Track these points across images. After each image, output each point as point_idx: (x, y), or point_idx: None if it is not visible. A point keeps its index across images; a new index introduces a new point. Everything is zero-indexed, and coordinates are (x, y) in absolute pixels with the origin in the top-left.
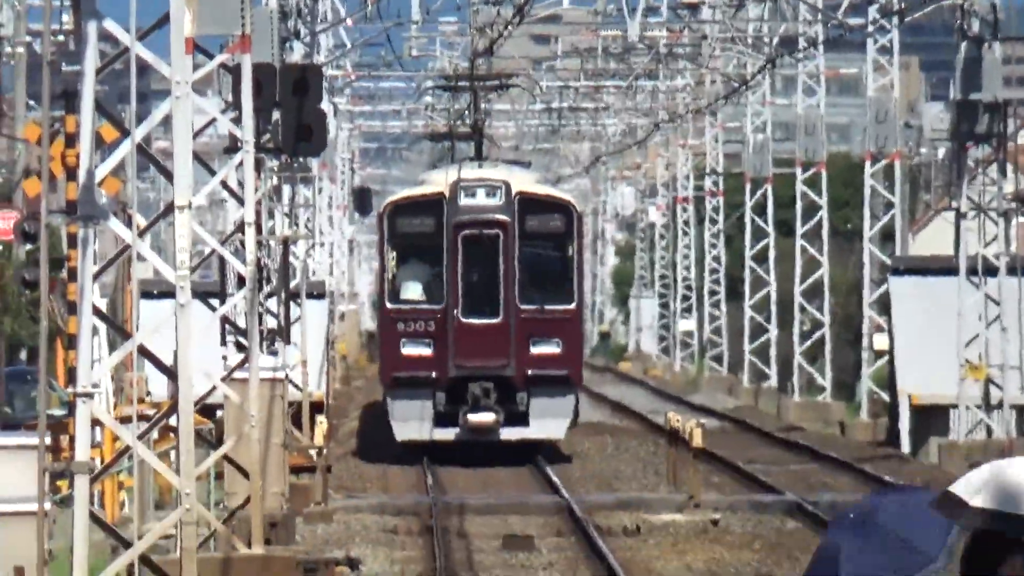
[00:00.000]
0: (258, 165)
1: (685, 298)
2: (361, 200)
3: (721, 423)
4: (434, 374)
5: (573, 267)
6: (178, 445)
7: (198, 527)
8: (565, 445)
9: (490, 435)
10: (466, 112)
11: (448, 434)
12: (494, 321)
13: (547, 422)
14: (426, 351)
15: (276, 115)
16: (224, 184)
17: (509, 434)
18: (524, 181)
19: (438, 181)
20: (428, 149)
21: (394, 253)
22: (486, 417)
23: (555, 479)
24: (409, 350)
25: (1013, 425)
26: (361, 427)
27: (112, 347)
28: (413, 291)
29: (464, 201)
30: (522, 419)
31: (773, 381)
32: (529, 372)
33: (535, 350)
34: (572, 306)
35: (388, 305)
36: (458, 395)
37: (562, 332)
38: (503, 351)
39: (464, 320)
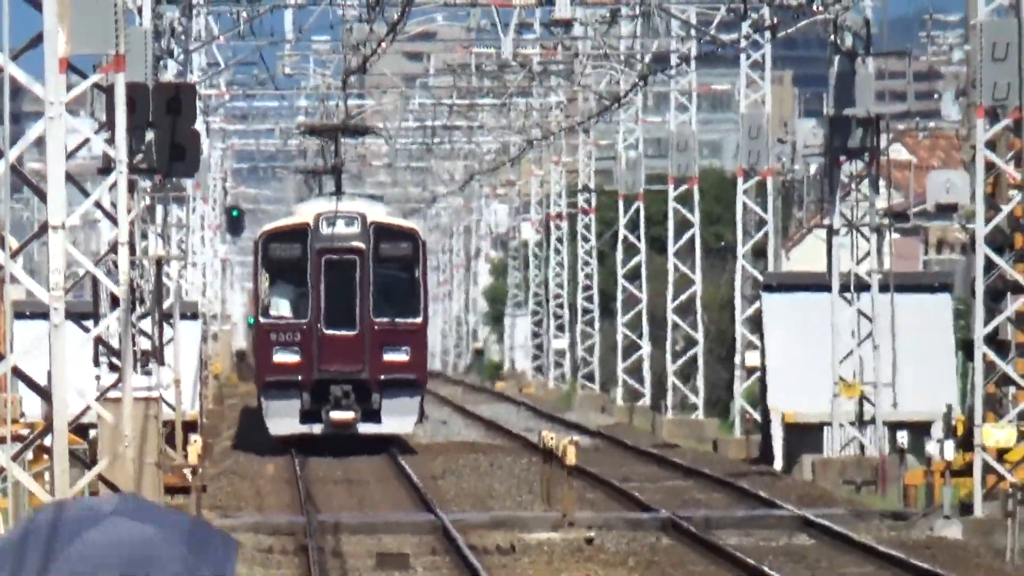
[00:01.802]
0: (131, 185)
1: (558, 316)
2: (234, 220)
3: (595, 441)
4: (301, 378)
5: (419, 286)
6: (52, 465)
7: None
8: (439, 466)
9: (349, 429)
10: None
11: (314, 429)
12: (351, 332)
13: (397, 419)
14: (294, 358)
15: (150, 135)
16: (98, 204)
17: (366, 429)
18: (377, 213)
19: (304, 213)
20: (303, 159)
21: (266, 275)
22: (346, 414)
23: (429, 497)
24: (280, 358)
25: (886, 441)
26: (236, 440)
27: None
28: (283, 307)
29: (326, 230)
30: (376, 416)
31: (647, 399)
32: (382, 376)
33: (387, 357)
34: (419, 319)
35: (261, 320)
36: (322, 395)
37: (410, 342)
38: (359, 358)
39: (326, 332)
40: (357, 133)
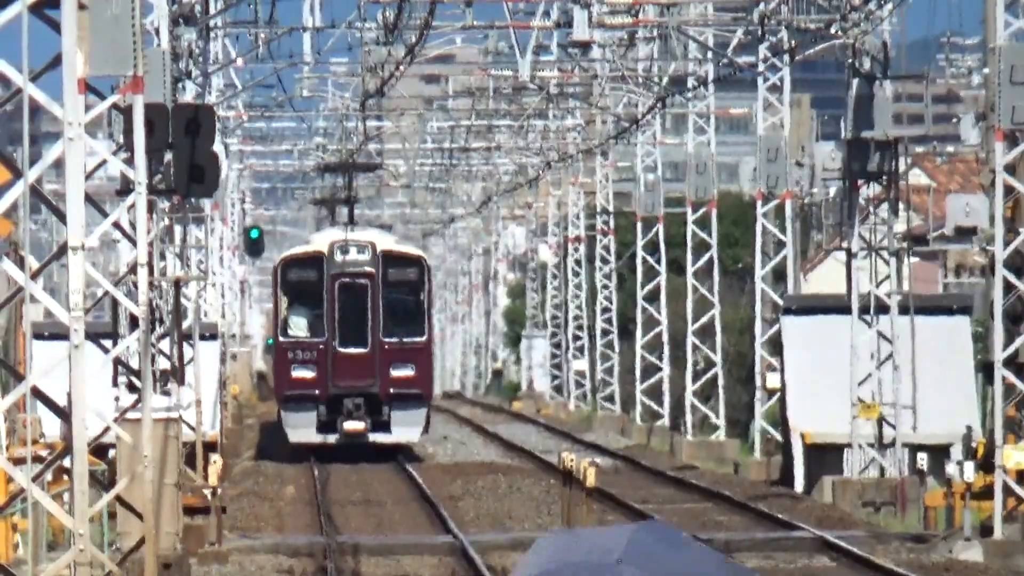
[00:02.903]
0: (150, 206)
1: (577, 337)
2: (253, 242)
3: (614, 462)
4: (317, 392)
5: (425, 308)
6: (72, 486)
7: (92, 568)
8: (458, 487)
9: (361, 439)
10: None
11: (329, 438)
12: (363, 350)
13: (405, 429)
14: (311, 374)
15: (168, 156)
16: (117, 225)
17: (376, 438)
18: (386, 241)
19: (320, 241)
20: (319, 189)
21: (285, 298)
22: (358, 425)
23: (448, 519)
24: (298, 373)
25: (905, 463)
26: (256, 459)
27: (5, 389)
28: (300, 327)
29: (340, 257)
30: (386, 427)
31: (666, 420)
32: (391, 390)
33: (395, 373)
34: (424, 338)
35: (281, 339)
36: (336, 408)
37: (417, 359)
38: (370, 374)
39: (340, 350)
40: (368, 169)
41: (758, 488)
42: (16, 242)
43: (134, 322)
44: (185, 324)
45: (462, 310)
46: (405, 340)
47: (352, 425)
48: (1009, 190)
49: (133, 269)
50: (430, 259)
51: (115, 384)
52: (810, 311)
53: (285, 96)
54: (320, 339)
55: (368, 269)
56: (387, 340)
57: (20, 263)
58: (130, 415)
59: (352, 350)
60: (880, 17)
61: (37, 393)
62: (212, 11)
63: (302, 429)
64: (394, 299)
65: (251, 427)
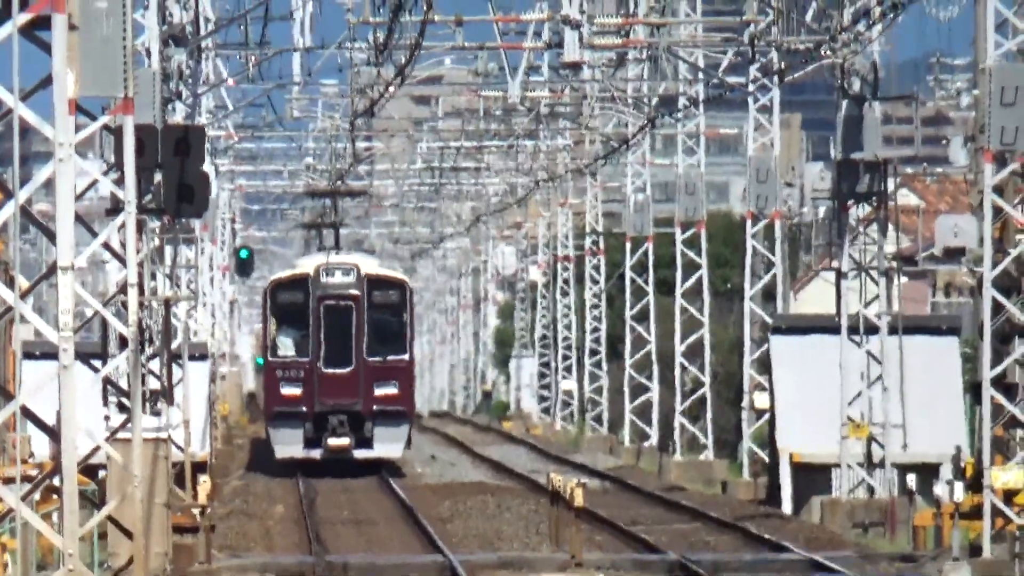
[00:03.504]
0: (140, 226)
1: (566, 357)
2: (243, 262)
3: (603, 482)
4: (303, 408)
5: (407, 328)
6: (61, 506)
7: None
8: (447, 507)
9: (345, 454)
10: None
11: (314, 453)
12: (348, 369)
13: (388, 445)
14: (297, 391)
15: (158, 176)
16: (107, 245)
17: (360, 454)
18: (370, 265)
19: (307, 265)
20: (307, 210)
21: (274, 319)
22: (342, 441)
23: (437, 539)
24: (285, 391)
25: (895, 483)
26: (245, 479)
27: None
28: (288, 347)
29: (326, 280)
30: (369, 443)
31: (654, 440)
32: (374, 408)
33: (378, 391)
34: (406, 357)
35: (269, 358)
36: (321, 424)
37: (399, 377)
38: (354, 392)
39: (325, 369)
40: (353, 195)
41: (746, 508)
42: (6, 261)
43: (123, 342)
44: (174, 344)
45: (451, 330)
46: (388, 359)
47: (336, 441)
48: (998, 211)
49: (123, 289)
50: (419, 280)
51: (105, 404)
52: (799, 331)
53: (275, 117)
54: (307, 359)
55: (353, 292)
56: (371, 360)
57: (10, 283)
58: (120, 435)
59: (337, 369)
60: (869, 38)
61: (26, 412)
62: (203, 32)
63: (289, 445)
64: (378, 320)
65: (241, 447)
